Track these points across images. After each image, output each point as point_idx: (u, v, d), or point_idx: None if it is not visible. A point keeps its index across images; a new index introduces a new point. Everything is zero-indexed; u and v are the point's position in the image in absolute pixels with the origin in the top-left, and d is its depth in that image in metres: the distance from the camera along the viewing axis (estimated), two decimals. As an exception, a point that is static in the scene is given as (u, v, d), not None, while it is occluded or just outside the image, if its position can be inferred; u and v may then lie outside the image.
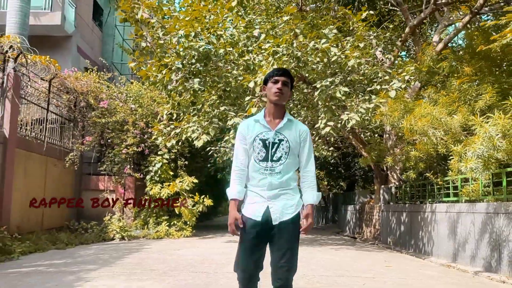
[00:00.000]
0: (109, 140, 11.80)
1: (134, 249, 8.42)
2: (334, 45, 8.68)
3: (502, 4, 10.31)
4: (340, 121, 8.38)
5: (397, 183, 10.96)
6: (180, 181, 11.54)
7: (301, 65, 8.66)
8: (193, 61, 8.92)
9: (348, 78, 9.18)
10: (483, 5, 9.49)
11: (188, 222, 11.48)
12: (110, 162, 11.74)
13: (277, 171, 2.59)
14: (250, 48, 9.24)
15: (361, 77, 9.20)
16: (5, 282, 4.84)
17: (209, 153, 12.39)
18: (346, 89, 8.26)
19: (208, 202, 11.50)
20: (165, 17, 9.49)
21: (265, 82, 2.74)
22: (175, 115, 10.62)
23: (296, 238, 2.62)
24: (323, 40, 8.39)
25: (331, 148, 15.71)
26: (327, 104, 8.43)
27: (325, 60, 8.65)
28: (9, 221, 8.15)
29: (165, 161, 11.72)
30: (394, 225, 10.11)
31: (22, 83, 9.11)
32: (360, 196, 15.64)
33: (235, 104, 10.15)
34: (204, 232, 13.31)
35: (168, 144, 10.41)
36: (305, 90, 10.55)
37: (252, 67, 8.75)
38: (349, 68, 8.71)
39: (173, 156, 11.94)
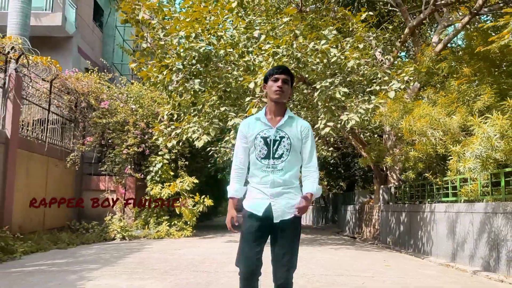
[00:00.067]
0: (109, 141, 11.85)
1: (135, 248, 8.47)
2: (334, 46, 8.73)
3: (501, 4, 10.36)
4: (339, 122, 8.44)
5: (396, 183, 11.01)
6: (180, 181, 11.58)
7: (301, 66, 8.72)
8: (194, 62, 8.97)
9: (348, 79, 9.23)
10: (482, 6, 9.54)
11: (188, 222, 11.52)
12: (110, 163, 11.79)
13: (279, 168, 2.60)
14: (250, 49, 9.29)
15: (360, 78, 9.25)
16: (9, 281, 4.89)
17: (210, 154, 12.45)
18: (345, 89, 8.31)
19: (209, 202, 11.55)
20: (166, 18, 9.54)
21: (265, 80, 2.75)
22: (175, 116, 10.68)
23: (296, 238, 2.65)
24: (323, 41, 8.44)
25: (331, 149, 15.78)
26: (326, 104, 8.48)
27: (325, 61, 8.70)
28: (11, 221, 8.20)
29: (165, 161, 11.77)
30: (393, 225, 10.16)
31: (23, 84, 9.16)
32: (359, 196, 15.69)
33: (235, 104, 10.20)
34: (204, 232, 13.35)
35: (169, 145, 10.47)
36: (305, 91, 10.60)
37: (252, 68, 8.80)
38: (349, 69, 8.76)
39: (173, 157, 11.99)
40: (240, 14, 10.42)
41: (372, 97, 8.65)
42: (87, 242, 9.42)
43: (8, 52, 8.56)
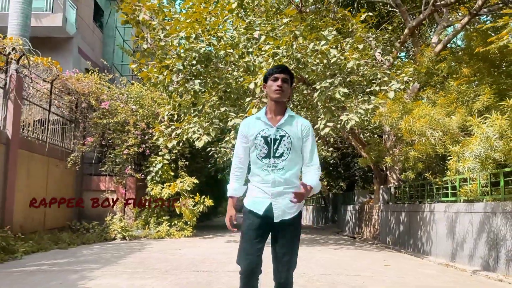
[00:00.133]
0: (110, 141, 11.88)
1: (135, 248, 8.49)
2: (334, 46, 8.76)
3: (500, 5, 10.39)
4: (339, 122, 8.47)
5: (396, 183, 11.03)
6: (180, 182, 11.61)
7: (300, 66, 8.75)
8: (194, 62, 9.00)
9: (348, 79, 9.27)
10: (482, 7, 9.57)
11: (188, 222, 11.55)
12: (111, 163, 11.81)
13: (280, 167, 2.61)
14: (250, 50, 9.32)
15: (360, 78, 9.28)
16: (10, 281, 4.91)
17: (210, 154, 12.48)
18: (345, 90, 8.34)
19: (209, 202, 11.57)
20: (166, 19, 9.56)
21: (265, 80, 2.76)
22: (176, 116, 10.70)
23: (296, 238, 2.67)
24: (323, 42, 8.48)
25: (331, 149, 15.80)
26: (326, 105, 8.51)
27: (325, 61, 8.73)
28: (12, 221, 8.23)
29: (165, 161, 11.79)
30: (393, 225, 10.18)
31: (24, 84, 9.19)
32: (359, 196, 15.70)
33: (235, 105, 10.22)
34: (204, 232, 13.38)
35: (169, 145, 10.50)
36: (305, 91, 10.63)
37: (252, 69, 8.83)
38: (348, 69, 8.78)
39: (173, 157, 12.01)
40: (240, 15, 10.45)
41: (372, 97, 8.68)
42: (87, 242, 9.45)
43: (9, 53, 8.59)
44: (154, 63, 9.48)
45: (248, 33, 9.51)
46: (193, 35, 8.79)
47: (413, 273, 6.12)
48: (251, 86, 8.18)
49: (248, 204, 2.69)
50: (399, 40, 12.06)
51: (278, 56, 8.44)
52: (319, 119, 8.81)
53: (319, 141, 13.52)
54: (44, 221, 9.77)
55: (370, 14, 10.23)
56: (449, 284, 5.33)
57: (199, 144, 9.24)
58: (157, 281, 5.00)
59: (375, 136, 12.93)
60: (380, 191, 11.39)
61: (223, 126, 9.85)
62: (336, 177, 22.54)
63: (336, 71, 9.15)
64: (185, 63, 9.00)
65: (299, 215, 2.69)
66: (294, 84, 3.33)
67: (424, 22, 13.11)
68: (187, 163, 12.35)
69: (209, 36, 9.09)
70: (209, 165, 14.68)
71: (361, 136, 12.22)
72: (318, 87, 8.43)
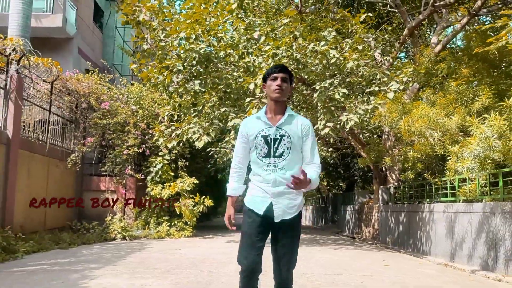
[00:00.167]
0: (110, 141, 11.90)
1: (135, 248, 8.51)
2: (333, 47, 8.79)
3: (500, 5, 10.42)
4: (339, 122, 8.50)
5: (395, 184, 11.06)
6: (180, 182, 11.63)
7: (300, 67, 8.78)
8: (194, 63, 9.03)
9: (347, 80, 9.29)
10: (481, 7, 9.60)
11: (188, 223, 11.57)
12: (111, 163, 11.84)
13: (280, 167, 2.60)
14: (250, 50, 9.35)
15: (359, 79, 9.31)
16: (12, 280, 4.94)
17: (210, 154, 12.50)
18: (345, 90, 8.37)
19: (209, 202, 11.59)
20: (166, 19, 9.59)
21: (264, 80, 2.77)
22: (176, 116, 10.73)
23: (296, 238, 2.68)
24: (322, 42, 8.50)
25: (331, 149, 15.84)
26: (326, 105, 8.54)
27: (324, 62, 8.75)
28: (12, 221, 8.25)
29: (165, 162, 11.82)
30: (392, 225, 10.21)
31: (24, 85, 9.22)
32: (359, 196, 15.72)
33: (235, 105, 10.25)
34: (204, 232, 13.40)
35: (169, 145, 10.52)
36: (305, 92, 10.66)
37: (252, 69, 8.86)
38: (348, 70, 8.81)
39: (173, 157, 12.03)
40: (240, 16, 10.48)
41: (371, 97, 8.70)
42: (88, 242, 9.47)
43: (10, 54, 8.62)
44: (154, 64, 9.51)
45: (248, 33, 9.54)
46: (193, 36, 8.82)
47: (412, 273, 6.14)
48: (251, 86, 8.21)
49: (248, 203, 2.69)
50: (398, 41, 12.09)
51: (278, 57, 8.47)
52: (318, 119, 8.83)
53: (319, 141, 13.55)
54: (44, 221, 9.79)
55: (370, 14, 10.26)
56: (448, 284, 5.35)
57: (199, 145, 9.26)
58: (157, 280, 5.02)
59: (375, 136, 12.96)
60: (380, 191, 11.42)
61: (223, 126, 9.87)
62: (335, 177, 22.58)
63: (335, 72, 9.17)
64: (185, 64, 9.03)
65: (299, 215, 2.70)
66: (293, 85, 3.33)
67: (423, 22, 13.14)
68: (187, 163, 12.37)
69: (209, 36, 9.12)
70: (209, 166, 14.71)
71: (361, 136, 12.24)
72: (317, 87, 8.45)
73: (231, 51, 9.22)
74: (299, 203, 2.67)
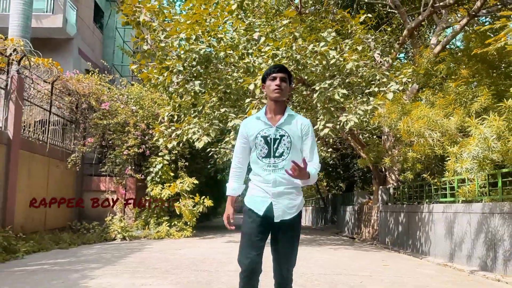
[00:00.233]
0: (110, 142, 11.92)
1: (136, 248, 8.53)
2: (333, 48, 8.81)
3: (499, 6, 10.44)
4: (338, 123, 8.52)
5: (395, 184, 11.07)
6: (180, 182, 11.65)
7: (300, 67, 8.80)
8: (194, 63, 9.05)
9: (347, 80, 9.32)
10: (481, 8, 9.62)
11: (188, 223, 11.59)
12: (111, 163, 11.86)
13: (280, 167, 2.61)
14: (250, 51, 9.37)
15: (359, 79, 9.34)
16: (12, 280, 4.96)
17: (209, 154, 12.52)
18: (344, 91, 8.39)
19: (208, 203, 11.61)
20: (166, 20, 9.62)
21: (264, 80, 2.77)
22: (176, 117, 10.74)
23: (296, 238, 2.69)
24: (322, 43, 8.53)
25: (330, 149, 15.86)
26: (325, 106, 8.56)
27: (324, 62, 8.78)
28: (13, 221, 8.28)
29: (165, 162, 11.84)
30: (392, 226, 10.23)
31: (25, 85, 9.24)
32: (358, 197, 15.74)
33: (235, 106, 10.27)
34: (204, 233, 13.42)
35: (169, 146, 10.54)
36: (304, 92, 10.69)
37: (252, 70, 8.88)
38: (348, 71, 8.84)
39: (173, 157, 12.05)
40: (240, 16, 10.50)
41: (371, 98, 8.72)
42: (88, 242, 9.50)
43: (11, 54, 8.64)
44: (154, 64, 9.53)
45: (248, 34, 9.56)
46: (193, 37, 8.85)
47: (411, 273, 6.16)
48: (251, 87, 8.23)
49: (248, 203, 2.69)
50: (398, 41, 12.11)
51: (278, 57, 8.49)
52: (318, 120, 8.85)
53: (319, 142, 13.57)
54: (44, 221, 9.81)
55: (369, 15, 10.29)
56: (447, 284, 5.37)
57: (199, 145, 9.28)
58: (157, 280, 5.04)
59: (374, 137, 12.98)
60: (379, 192, 11.43)
61: (223, 127, 9.89)
62: (335, 177, 22.57)
63: (335, 72, 9.19)
64: (185, 64, 9.05)
65: (299, 215, 2.70)
66: (293, 85, 3.34)
67: (423, 23, 13.16)
68: (187, 163, 12.39)
69: (209, 37, 9.14)
70: (209, 166, 14.74)
71: (360, 137, 12.26)
72: (317, 88, 8.48)
73: (231, 51, 9.24)
74: (299, 203, 2.67)
